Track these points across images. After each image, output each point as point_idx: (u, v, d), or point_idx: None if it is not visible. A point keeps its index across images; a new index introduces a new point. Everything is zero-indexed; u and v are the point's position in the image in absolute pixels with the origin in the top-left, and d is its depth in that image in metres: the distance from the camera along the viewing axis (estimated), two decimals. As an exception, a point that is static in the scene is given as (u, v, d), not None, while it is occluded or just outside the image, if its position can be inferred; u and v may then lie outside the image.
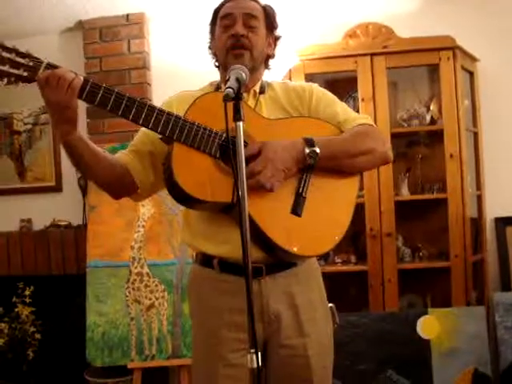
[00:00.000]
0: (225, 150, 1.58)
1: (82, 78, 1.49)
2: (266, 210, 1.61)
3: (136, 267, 3.32)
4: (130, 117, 1.54)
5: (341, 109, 1.80)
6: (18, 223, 3.95)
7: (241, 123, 1.41)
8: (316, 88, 1.83)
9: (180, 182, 1.53)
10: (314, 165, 1.64)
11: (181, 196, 1.56)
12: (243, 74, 1.48)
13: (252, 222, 1.54)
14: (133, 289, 3.30)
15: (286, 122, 1.72)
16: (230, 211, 1.58)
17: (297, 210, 1.65)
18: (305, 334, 1.71)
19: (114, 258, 3.34)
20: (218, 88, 1.79)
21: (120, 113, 1.53)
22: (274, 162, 1.57)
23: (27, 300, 3.55)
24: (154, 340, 3.28)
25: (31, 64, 1.45)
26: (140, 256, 3.32)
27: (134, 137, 1.83)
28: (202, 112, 1.60)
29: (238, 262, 1.44)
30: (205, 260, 1.72)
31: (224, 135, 1.57)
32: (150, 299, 3.31)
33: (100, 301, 3.31)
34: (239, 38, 1.72)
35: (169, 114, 1.57)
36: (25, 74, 1.44)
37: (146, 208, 3.34)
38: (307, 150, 1.62)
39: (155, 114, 1.55)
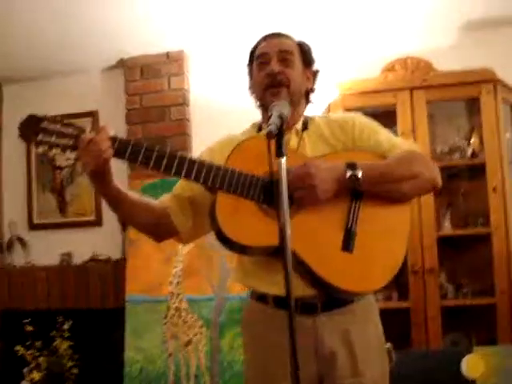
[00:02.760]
0: (270, 192, 1.56)
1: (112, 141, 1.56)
2: (316, 248, 1.59)
3: (174, 302, 3.32)
4: (173, 171, 1.59)
5: (385, 137, 1.76)
6: (58, 257, 4.00)
7: (284, 159, 1.41)
8: (359, 118, 1.80)
9: (225, 231, 1.55)
10: (357, 189, 1.61)
11: (228, 244, 1.58)
12: (285, 110, 1.48)
13: (302, 262, 1.55)
14: (171, 324, 3.30)
15: (329, 158, 1.68)
16: (279, 254, 1.55)
17: (348, 246, 1.61)
18: (359, 373, 1.66)
19: (152, 293, 3.35)
20: (260, 128, 1.80)
21: (163, 169, 1.58)
22: (313, 178, 1.56)
23: (66, 334, 3.56)
24: (191, 376, 3.24)
25: (75, 133, 1.55)
26: (179, 291, 3.32)
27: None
28: (244, 157, 1.62)
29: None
30: (260, 295, 1.72)
31: (267, 178, 1.57)
32: (188, 335, 3.29)
33: (138, 336, 3.31)
34: (275, 76, 1.71)
35: (208, 164, 1.59)
36: (70, 142, 1.55)
37: (185, 243, 3.35)
38: (348, 173, 1.59)
39: (196, 166, 1.59)
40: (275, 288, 1.62)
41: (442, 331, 3.23)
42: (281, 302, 1.62)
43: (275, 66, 1.72)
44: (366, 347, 1.68)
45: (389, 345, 1.78)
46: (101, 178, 1.59)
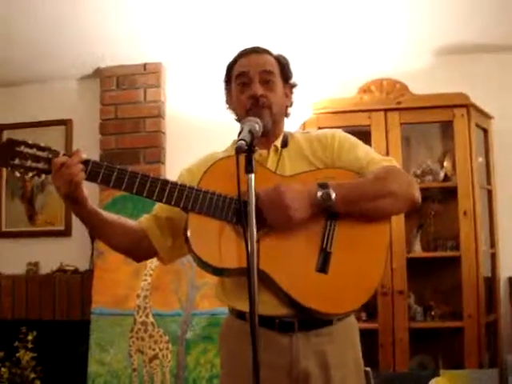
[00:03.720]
0: (240, 213, 1.52)
1: (84, 162, 1.57)
2: (289, 269, 1.58)
3: (141, 316, 3.26)
4: (145, 194, 1.59)
5: (364, 153, 1.74)
6: (24, 266, 3.93)
7: (253, 175, 1.42)
8: (339, 134, 1.78)
9: (198, 253, 1.55)
10: (330, 209, 1.58)
11: (202, 265, 1.57)
12: (256, 126, 1.48)
13: (273, 282, 1.55)
14: (137, 338, 3.24)
15: (307, 176, 1.66)
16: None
17: (323, 267, 1.59)
18: None
19: (119, 306, 3.29)
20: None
21: (135, 191, 1.58)
22: (284, 199, 1.54)
23: (29, 345, 3.49)
24: (156, 392, 3.19)
25: (50, 156, 1.56)
26: (146, 305, 3.27)
27: None
28: (218, 177, 1.61)
29: (270, 315, 1.54)
30: (239, 313, 1.70)
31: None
32: (154, 350, 3.24)
33: (103, 349, 3.25)
34: (258, 99, 1.70)
35: (181, 185, 1.59)
36: (45, 166, 1.55)
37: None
38: (319, 193, 1.56)
39: (168, 188, 1.58)
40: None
41: (409, 353, 3.23)
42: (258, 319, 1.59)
43: (259, 90, 1.70)
44: (342, 369, 1.64)
45: (368, 369, 1.76)
46: (74, 200, 1.57)
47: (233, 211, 1.58)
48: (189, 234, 1.56)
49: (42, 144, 1.57)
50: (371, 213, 1.63)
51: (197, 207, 1.57)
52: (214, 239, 1.57)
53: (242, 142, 1.40)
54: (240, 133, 1.45)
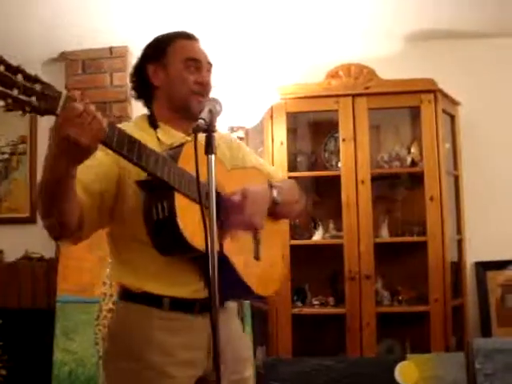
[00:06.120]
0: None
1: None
2: (241, 256, 1.67)
3: (107, 303, 3.22)
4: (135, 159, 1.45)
5: (262, 160, 2.02)
6: (-12, 254, 3.86)
7: (213, 156, 1.40)
8: (239, 141, 1.98)
9: (185, 235, 1.49)
10: (271, 209, 1.75)
11: (178, 245, 1.52)
12: (217, 107, 1.49)
13: (232, 269, 1.62)
14: (103, 326, 3.20)
15: (241, 172, 1.80)
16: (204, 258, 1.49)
17: (258, 254, 1.76)
18: (241, 370, 1.78)
19: (84, 294, 3.24)
20: (153, 122, 1.73)
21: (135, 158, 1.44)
22: (259, 205, 1.68)
23: (-6, 334, 3.44)
24: (122, 380, 3.16)
25: (50, 94, 1.26)
26: (112, 292, 3.23)
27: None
28: (191, 159, 1.51)
29: (190, 299, 1.59)
30: (150, 299, 1.63)
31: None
32: (121, 337, 3.20)
33: (68, 338, 3.20)
34: (205, 87, 1.76)
35: (169, 161, 1.52)
36: (42, 104, 1.24)
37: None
38: (275, 194, 1.76)
39: (160, 160, 1.50)
40: (178, 289, 1.63)
41: (376, 338, 3.25)
42: (177, 305, 1.63)
43: (208, 78, 1.78)
44: (240, 342, 1.82)
45: None
46: (80, 158, 1.34)
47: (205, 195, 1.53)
48: (176, 212, 1.48)
49: (38, 76, 1.25)
50: (290, 214, 1.95)
51: (182, 187, 1.52)
52: (192, 220, 1.49)
53: (201, 121, 1.38)
54: (200, 111, 1.45)
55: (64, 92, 1.29)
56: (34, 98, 1.22)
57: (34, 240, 3.79)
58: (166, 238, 1.53)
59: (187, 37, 1.82)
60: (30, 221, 3.88)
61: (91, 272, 3.27)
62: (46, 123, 3.91)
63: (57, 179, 1.38)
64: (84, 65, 3.81)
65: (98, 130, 1.30)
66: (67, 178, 1.38)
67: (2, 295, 3.70)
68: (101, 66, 3.78)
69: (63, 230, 1.49)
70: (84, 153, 1.32)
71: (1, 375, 3.46)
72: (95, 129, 1.29)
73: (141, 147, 1.45)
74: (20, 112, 1.22)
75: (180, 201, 1.52)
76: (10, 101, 1.19)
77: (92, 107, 1.30)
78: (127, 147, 1.41)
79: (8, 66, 1.20)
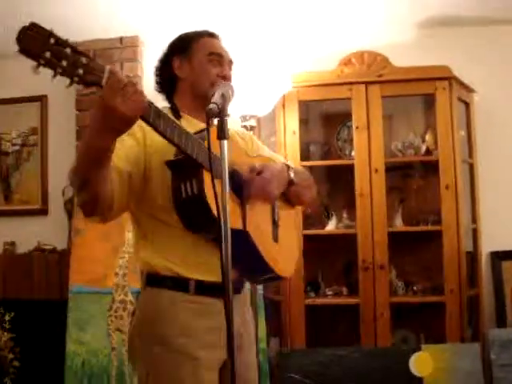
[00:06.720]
0: (233, 181, 1.62)
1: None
2: (262, 237, 1.72)
3: (120, 295, 3.22)
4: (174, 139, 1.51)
5: (273, 153, 2.10)
6: (1, 246, 3.85)
7: (225, 142, 1.40)
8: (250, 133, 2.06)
9: (214, 211, 1.48)
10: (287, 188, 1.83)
11: (206, 221, 1.56)
12: (229, 91, 1.51)
13: (254, 246, 1.66)
14: (115, 317, 3.20)
15: (261, 159, 1.85)
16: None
17: (276, 236, 1.82)
18: (256, 353, 1.89)
19: (97, 285, 3.24)
20: (176, 112, 1.79)
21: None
22: (277, 178, 1.76)
23: (7, 325, 3.46)
24: (135, 371, 3.15)
25: (95, 67, 1.32)
26: (124, 283, 3.22)
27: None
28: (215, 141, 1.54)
29: (216, 283, 1.51)
30: (177, 282, 1.68)
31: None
32: (134, 328, 3.19)
33: (81, 329, 3.20)
34: (227, 81, 1.80)
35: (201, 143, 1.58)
36: (88, 76, 1.30)
37: (132, 233, 3.24)
38: (292, 175, 1.82)
39: (190, 139, 1.56)
40: (202, 271, 1.67)
41: (390, 328, 3.22)
42: (203, 288, 1.68)
43: (230, 73, 1.85)
44: (251, 327, 1.87)
45: None
46: (123, 130, 1.39)
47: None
48: (205, 191, 1.53)
49: (84, 51, 1.32)
50: (301, 197, 1.94)
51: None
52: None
53: (214, 105, 1.38)
54: (212, 96, 1.45)
55: (108, 66, 1.36)
56: (80, 71, 1.30)
57: (45, 231, 3.81)
58: (195, 215, 1.59)
59: (211, 35, 1.90)
60: (42, 212, 3.88)
61: (103, 263, 3.26)
62: (56, 115, 3.92)
63: (97, 150, 1.41)
64: (94, 55, 3.77)
65: (140, 102, 1.37)
66: (106, 152, 1.42)
67: (15, 287, 3.71)
68: (111, 56, 3.75)
69: (96, 207, 1.53)
70: (126, 123, 1.38)
71: (14, 366, 3.48)
72: (137, 100, 1.36)
73: (175, 125, 1.51)
74: (68, 81, 1.30)
75: (207, 179, 1.55)
76: (59, 70, 1.27)
77: (134, 81, 1.36)
78: (163, 123, 1.47)
79: (58, 40, 1.28)
